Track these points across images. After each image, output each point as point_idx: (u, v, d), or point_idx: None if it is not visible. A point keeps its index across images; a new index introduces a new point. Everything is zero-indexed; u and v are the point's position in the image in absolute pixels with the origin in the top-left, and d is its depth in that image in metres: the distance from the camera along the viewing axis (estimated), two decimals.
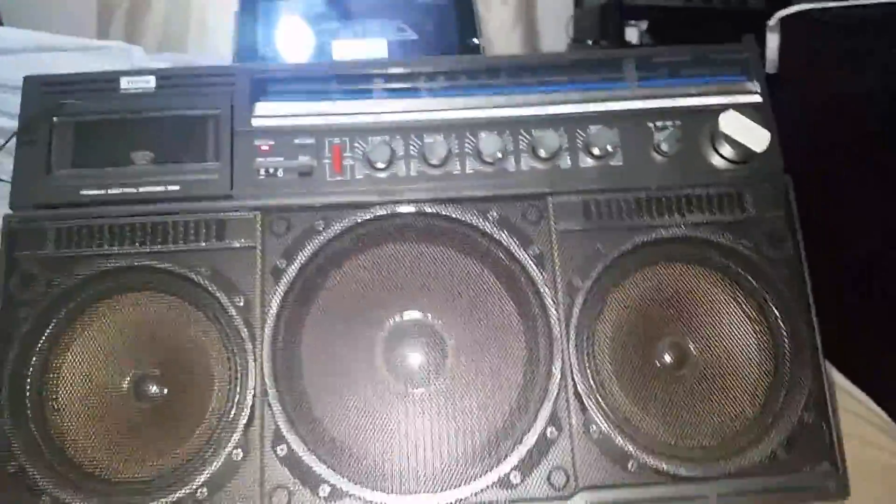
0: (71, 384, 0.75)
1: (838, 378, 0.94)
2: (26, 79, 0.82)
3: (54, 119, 0.80)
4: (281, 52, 1.07)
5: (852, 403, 0.90)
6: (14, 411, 0.72)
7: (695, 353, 0.76)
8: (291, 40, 1.08)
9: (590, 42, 2.47)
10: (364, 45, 1.06)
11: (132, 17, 2.58)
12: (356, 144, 0.79)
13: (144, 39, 2.42)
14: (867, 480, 0.74)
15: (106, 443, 0.74)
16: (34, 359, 0.74)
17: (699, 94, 0.80)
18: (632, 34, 2.34)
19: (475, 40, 1.05)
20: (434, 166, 0.78)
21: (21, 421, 0.72)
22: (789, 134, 0.80)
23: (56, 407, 0.74)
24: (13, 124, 1.47)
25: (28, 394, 0.73)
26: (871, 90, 1.31)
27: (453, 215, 0.77)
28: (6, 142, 0.83)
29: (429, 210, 0.77)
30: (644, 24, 2.34)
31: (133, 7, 2.56)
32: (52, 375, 0.75)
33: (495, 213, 0.77)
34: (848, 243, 1.20)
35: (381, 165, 0.78)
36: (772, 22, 1.63)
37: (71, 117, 0.80)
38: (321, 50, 1.07)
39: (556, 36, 2.67)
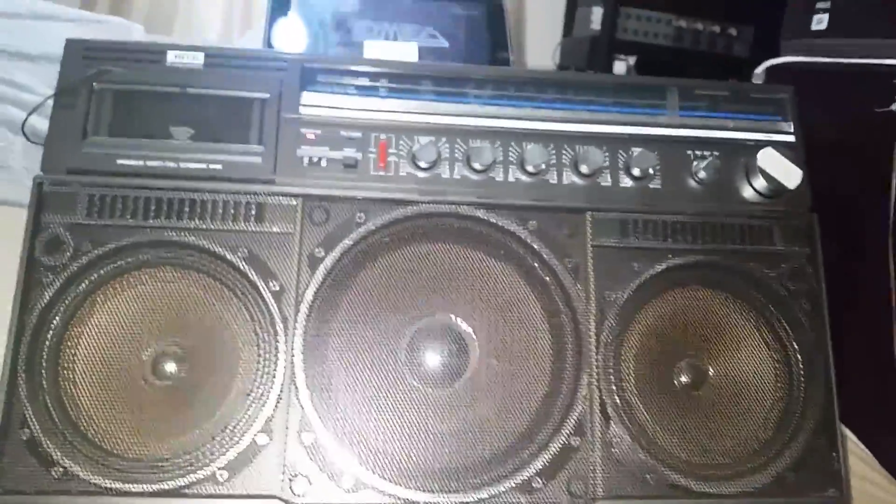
0: (88, 356, 0.73)
1: None
2: (69, 42, 0.80)
3: (94, 85, 0.78)
4: (311, 46, 1.07)
5: None
6: (29, 378, 0.70)
7: (712, 374, 0.78)
8: (322, 35, 1.08)
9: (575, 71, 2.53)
10: (395, 48, 1.07)
11: None
12: (402, 142, 0.80)
13: (130, 18, 2.37)
14: None
15: (121, 418, 0.72)
16: (53, 327, 0.72)
17: (736, 129, 0.83)
18: (619, 67, 2.40)
19: (506, 54, 1.07)
20: (477, 171, 0.79)
21: (36, 389, 0.70)
22: None
23: (72, 378, 0.72)
24: (2, 90, 1.44)
25: (44, 362, 0.72)
26: (852, 141, 1.37)
27: (492, 220, 0.78)
28: (39, 105, 0.81)
29: (469, 213, 0.78)
30: (632, 60, 2.41)
31: None
32: (69, 345, 0.73)
33: (534, 223, 0.78)
34: None
35: (425, 165, 0.78)
36: (759, 70, 1.68)
37: (112, 85, 0.79)
38: (352, 48, 1.07)
39: (542, 61, 2.73)
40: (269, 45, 1.07)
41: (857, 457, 0.95)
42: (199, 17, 2.56)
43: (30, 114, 0.84)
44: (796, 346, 0.78)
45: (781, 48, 1.64)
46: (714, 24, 2.41)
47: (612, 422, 0.74)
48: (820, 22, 1.53)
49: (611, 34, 2.34)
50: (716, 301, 0.79)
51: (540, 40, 2.78)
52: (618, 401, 0.74)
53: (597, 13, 2.45)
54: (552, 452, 0.73)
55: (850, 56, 1.43)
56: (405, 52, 1.05)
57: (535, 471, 0.72)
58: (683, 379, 0.78)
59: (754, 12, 2.32)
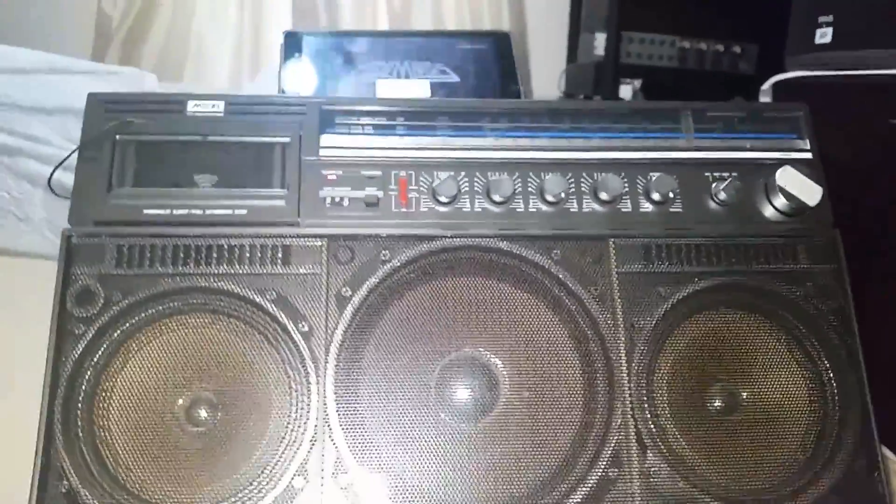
0: (123, 405, 0.73)
1: None
2: (90, 95, 0.82)
3: (117, 137, 0.80)
4: (324, 88, 1.09)
5: None
6: (66, 430, 0.71)
7: (745, 398, 0.78)
8: (335, 76, 1.10)
9: (582, 97, 2.55)
10: (408, 86, 1.08)
11: (129, 44, 2.57)
12: (422, 178, 0.81)
13: (141, 66, 2.41)
14: None
15: (158, 466, 0.72)
16: (87, 378, 0.73)
17: (753, 149, 0.84)
18: (625, 91, 2.41)
19: (516, 86, 1.08)
20: (498, 203, 0.80)
21: (72, 440, 0.71)
22: None
23: (107, 427, 0.73)
24: (20, 143, 1.46)
25: (80, 413, 0.72)
26: (862, 155, 1.36)
27: (516, 251, 0.79)
28: (65, 159, 0.83)
29: (492, 245, 0.79)
30: (638, 83, 2.42)
31: (130, 35, 2.56)
32: (104, 395, 0.73)
33: (557, 252, 0.79)
34: None
35: (446, 199, 0.79)
36: (765, 86, 1.69)
37: (135, 136, 0.80)
38: (365, 88, 1.09)
39: (547, 88, 2.75)
40: (284, 90, 1.09)
41: None
42: (209, 63, 2.59)
43: (55, 169, 0.86)
44: (828, 364, 0.78)
45: (786, 64, 1.64)
46: (717, 43, 2.42)
47: (648, 451, 0.73)
48: (824, 35, 1.53)
49: (615, 59, 2.35)
50: (744, 323, 0.79)
51: (544, 68, 2.80)
52: (653, 429, 0.74)
53: (600, 39, 2.47)
54: (589, 485, 0.72)
55: (856, 68, 1.43)
56: (417, 89, 1.07)
57: None
58: (717, 403, 0.77)
59: (757, 29, 2.32)
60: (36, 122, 1.51)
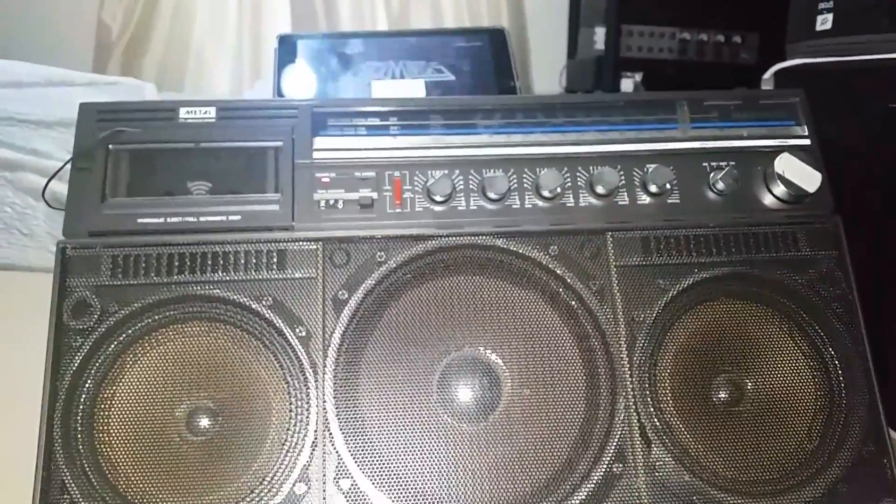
0: (122, 417, 0.73)
1: None
2: (82, 105, 0.81)
3: (110, 146, 0.79)
4: (320, 91, 1.08)
5: None
6: (66, 444, 0.70)
7: (750, 388, 0.77)
8: (331, 79, 1.10)
9: (583, 92, 2.54)
10: (402, 86, 1.08)
11: (130, 55, 2.58)
12: (416, 178, 0.80)
13: (142, 77, 2.42)
14: None
15: (159, 477, 0.72)
16: (86, 390, 0.73)
17: (750, 137, 0.83)
18: (627, 85, 2.40)
19: (512, 82, 1.07)
20: (493, 201, 0.79)
21: (73, 454, 0.71)
22: None
23: (107, 440, 0.72)
24: (22, 158, 1.47)
25: (80, 426, 0.72)
26: (865, 140, 1.34)
27: (513, 248, 0.78)
28: (58, 170, 0.83)
29: (488, 243, 0.78)
30: (639, 76, 2.41)
31: (130, 46, 2.57)
32: (103, 408, 0.73)
33: (555, 248, 0.78)
34: None
35: (441, 199, 0.78)
36: (767, 75, 1.67)
37: (127, 145, 0.80)
38: (360, 89, 1.08)
39: (548, 85, 2.74)
40: (280, 94, 1.08)
41: None
42: (209, 71, 2.60)
43: (49, 180, 0.86)
44: (833, 352, 0.77)
45: (787, 52, 1.62)
46: (718, 33, 2.40)
47: (653, 445, 0.72)
48: (824, 22, 1.51)
49: (615, 53, 2.34)
50: (746, 313, 0.78)
51: (545, 65, 2.80)
52: (657, 423, 0.73)
53: (599, 33, 2.46)
54: (595, 482, 0.71)
55: (857, 53, 1.41)
56: (412, 89, 1.07)
57: (578, 502, 0.71)
58: (722, 395, 0.76)
59: (758, 18, 2.31)
60: (37, 136, 1.52)
